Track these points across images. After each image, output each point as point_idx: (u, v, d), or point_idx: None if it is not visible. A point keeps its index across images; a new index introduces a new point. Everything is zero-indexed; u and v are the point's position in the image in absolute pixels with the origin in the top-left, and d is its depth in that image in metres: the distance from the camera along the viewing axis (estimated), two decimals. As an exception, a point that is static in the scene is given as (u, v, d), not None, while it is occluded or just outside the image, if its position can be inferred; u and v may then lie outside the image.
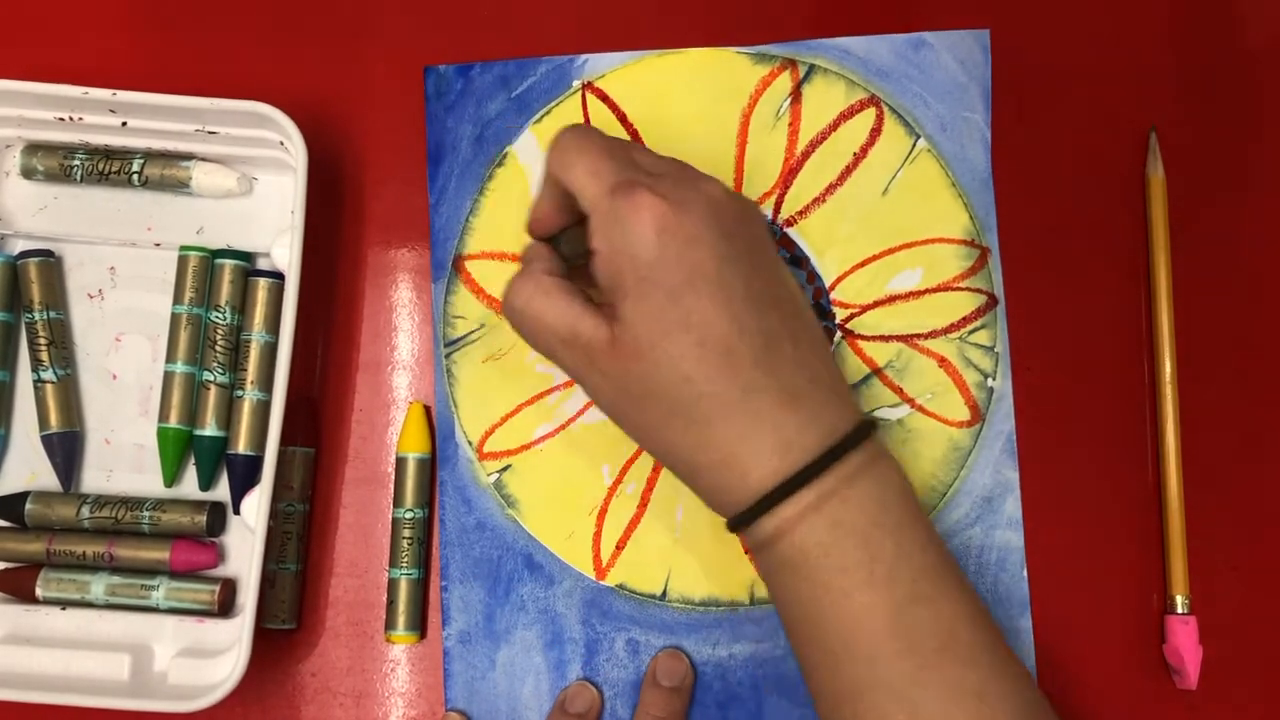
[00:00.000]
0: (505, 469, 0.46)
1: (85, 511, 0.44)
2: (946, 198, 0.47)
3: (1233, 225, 0.47)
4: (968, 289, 0.47)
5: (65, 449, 0.45)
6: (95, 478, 0.46)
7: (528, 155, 0.48)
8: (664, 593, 0.46)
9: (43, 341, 0.45)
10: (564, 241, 0.41)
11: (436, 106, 0.48)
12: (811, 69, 0.48)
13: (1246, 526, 0.46)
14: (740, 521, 0.37)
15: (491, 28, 0.49)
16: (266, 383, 0.45)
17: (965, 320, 0.47)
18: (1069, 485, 0.46)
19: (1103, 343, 0.47)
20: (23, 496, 0.45)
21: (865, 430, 0.37)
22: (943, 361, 0.46)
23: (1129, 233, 0.47)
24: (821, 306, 0.47)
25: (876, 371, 0.46)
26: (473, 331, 0.47)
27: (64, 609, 0.44)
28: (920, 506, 0.38)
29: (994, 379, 0.46)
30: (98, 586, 0.44)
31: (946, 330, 0.47)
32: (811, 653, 0.37)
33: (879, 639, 0.35)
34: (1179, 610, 0.44)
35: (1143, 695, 0.45)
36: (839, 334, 0.47)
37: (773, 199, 0.47)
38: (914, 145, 0.47)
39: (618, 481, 0.46)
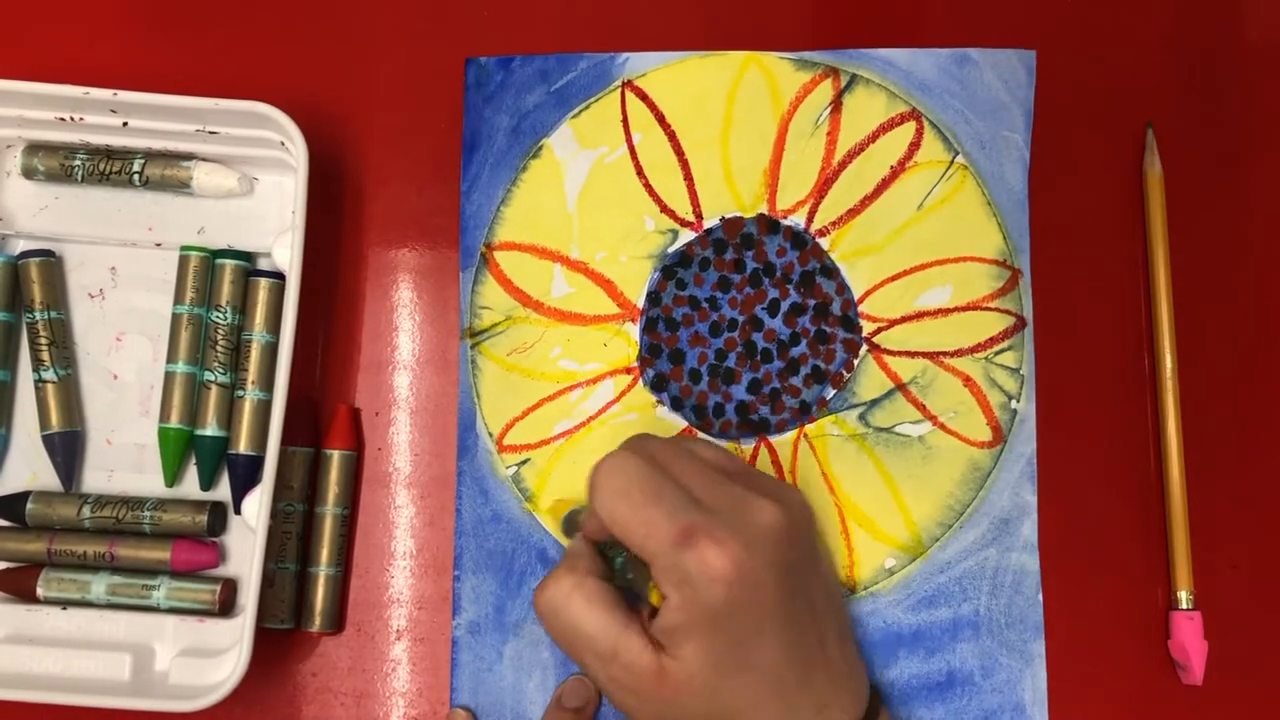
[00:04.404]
0: (524, 463, 0.46)
1: (86, 511, 0.44)
2: (981, 216, 0.47)
3: (1233, 221, 0.47)
4: (997, 309, 0.47)
5: (66, 449, 0.45)
6: (96, 478, 0.46)
7: (564, 149, 0.48)
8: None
9: (43, 341, 0.45)
10: (609, 547, 0.40)
11: (475, 97, 0.48)
12: (853, 79, 0.48)
13: (1249, 522, 0.46)
14: None
15: (493, 28, 0.49)
16: (267, 383, 0.45)
17: (992, 340, 0.46)
18: (1076, 486, 0.46)
19: (1107, 346, 0.47)
20: (24, 496, 0.45)
21: (873, 714, 0.39)
22: (967, 380, 0.46)
23: (1130, 231, 0.47)
24: (849, 319, 0.47)
25: (900, 387, 0.46)
26: (498, 324, 0.47)
27: (65, 609, 0.44)
28: None
29: (1018, 401, 0.46)
30: (99, 586, 0.44)
31: (973, 349, 0.46)
32: None
33: None
34: (1183, 606, 0.44)
35: (1148, 690, 0.45)
36: (865, 347, 0.47)
37: (806, 207, 0.47)
38: (952, 161, 0.47)
39: (634, 482, 0.46)
